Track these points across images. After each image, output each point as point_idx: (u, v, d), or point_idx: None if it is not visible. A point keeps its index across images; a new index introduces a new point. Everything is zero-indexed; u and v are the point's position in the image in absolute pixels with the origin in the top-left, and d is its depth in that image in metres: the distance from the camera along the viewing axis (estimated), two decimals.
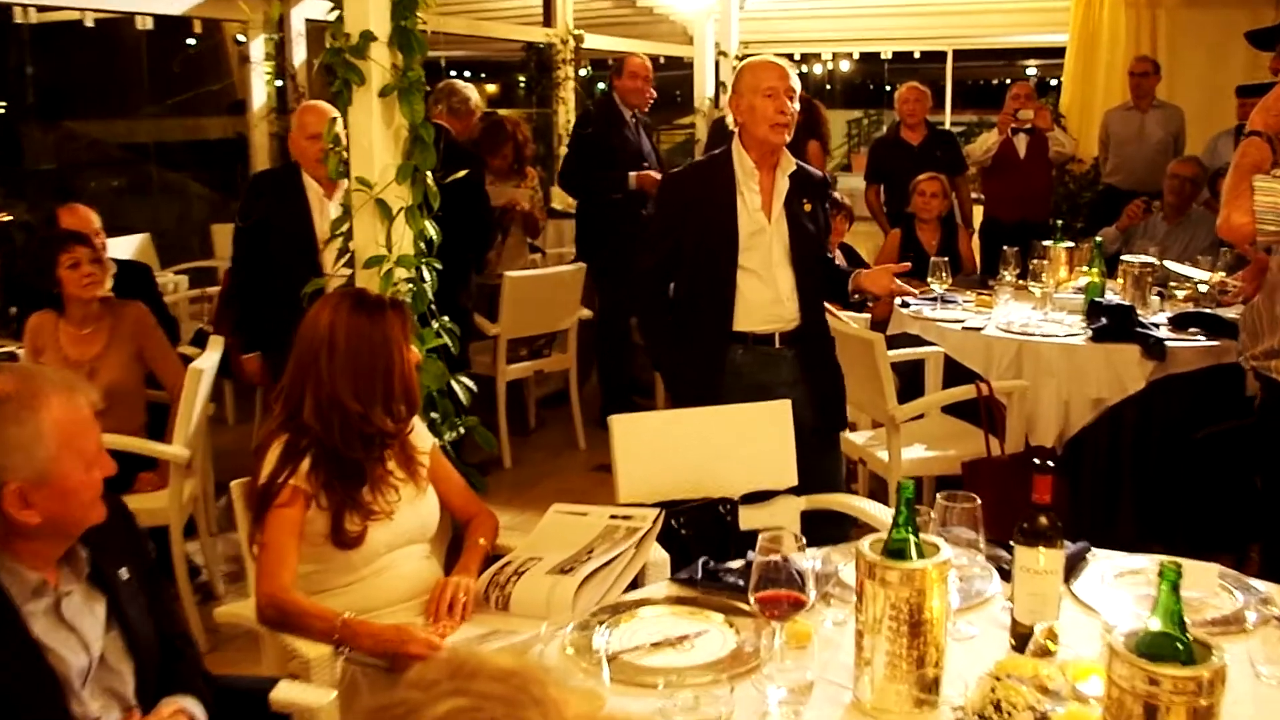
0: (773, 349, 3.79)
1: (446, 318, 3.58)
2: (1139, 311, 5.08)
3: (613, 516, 2.97)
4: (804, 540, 2.10)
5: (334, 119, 3.52)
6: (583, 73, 10.28)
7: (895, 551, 1.99)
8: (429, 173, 3.47)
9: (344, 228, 3.51)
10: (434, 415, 3.50)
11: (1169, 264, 5.72)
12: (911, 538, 2.00)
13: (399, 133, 3.46)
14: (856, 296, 3.93)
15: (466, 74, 22.48)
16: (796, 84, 3.71)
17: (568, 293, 6.53)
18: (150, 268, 5.55)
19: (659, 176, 6.85)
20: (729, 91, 3.93)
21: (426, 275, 3.51)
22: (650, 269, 3.81)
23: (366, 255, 3.45)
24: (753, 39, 10.34)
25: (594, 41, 9.80)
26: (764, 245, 3.73)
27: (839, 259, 6.41)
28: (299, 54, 7.69)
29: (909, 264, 3.92)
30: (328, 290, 3.10)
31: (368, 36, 3.35)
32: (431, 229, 3.51)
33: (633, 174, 6.75)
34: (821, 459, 3.81)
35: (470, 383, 3.64)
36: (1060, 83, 9.99)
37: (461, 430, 3.55)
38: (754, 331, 3.77)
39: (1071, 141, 8.39)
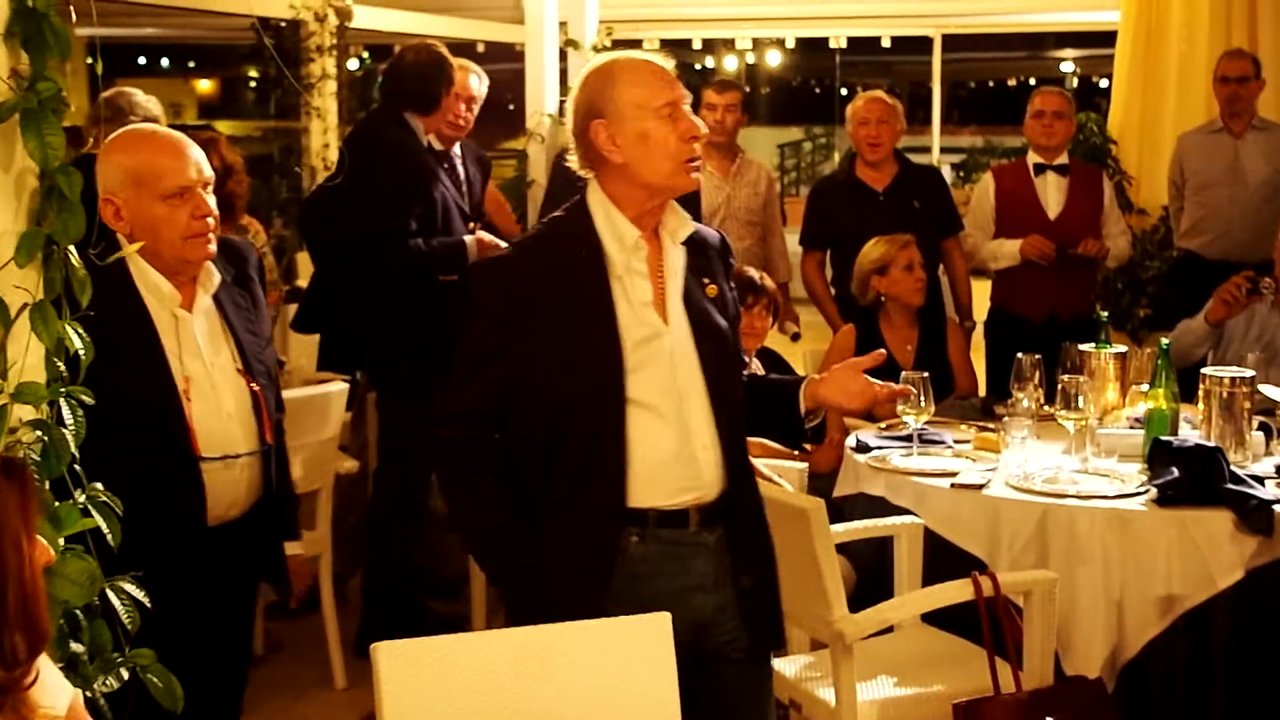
0: (686, 533, 3.80)
1: (99, 485, 3.53)
2: (1232, 457, 5.22)
3: None
4: None
5: None
6: (353, 65, 10.39)
7: None
8: (72, 247, 3.45)
9: None
10: (76, 648, 3.44)
11: (1267, 389, 5.84)
12: None
13: (21, 182, 3.43)
14: (813, 421, 3.95)
15: (165, 63, 22.45)
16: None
17: (321, 430, 6.52)
18: None
19: (504, 245, 6.92)
20: (577, 115, 3.90)
21: (69, 415, 3.46)
22: (462, 415, 3.80)
23: None
24: (621, 18, 10.51)
25: (369, 18, 9.88)
26: (662, 361, 3.76)
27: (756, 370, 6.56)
28: None
29: (882, 352, 3.98)
30: None
31: None
32: (78, 340, 3.48)
33: (470, 239, 6.80)
34: (747, 703, 3.83)
35: (140, 593, 3.59)
36: (1110, 86, 10.30)
37: (124, 674, 3.49)
38: (657, 508, 3.76)
39: (1128, 241, 8.30)
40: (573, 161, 3.85)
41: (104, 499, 3.53)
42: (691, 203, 5.70)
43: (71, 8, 3.53)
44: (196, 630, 4.03)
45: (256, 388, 4.18)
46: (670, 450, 3.71)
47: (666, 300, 3.74)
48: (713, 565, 3.79)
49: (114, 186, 4.00)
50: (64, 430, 3.47)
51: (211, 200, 4.07)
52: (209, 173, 4.10)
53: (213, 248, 4.08)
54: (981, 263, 7.89)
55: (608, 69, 3.75)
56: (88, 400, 3.51)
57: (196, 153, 4.09)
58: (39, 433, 3.43)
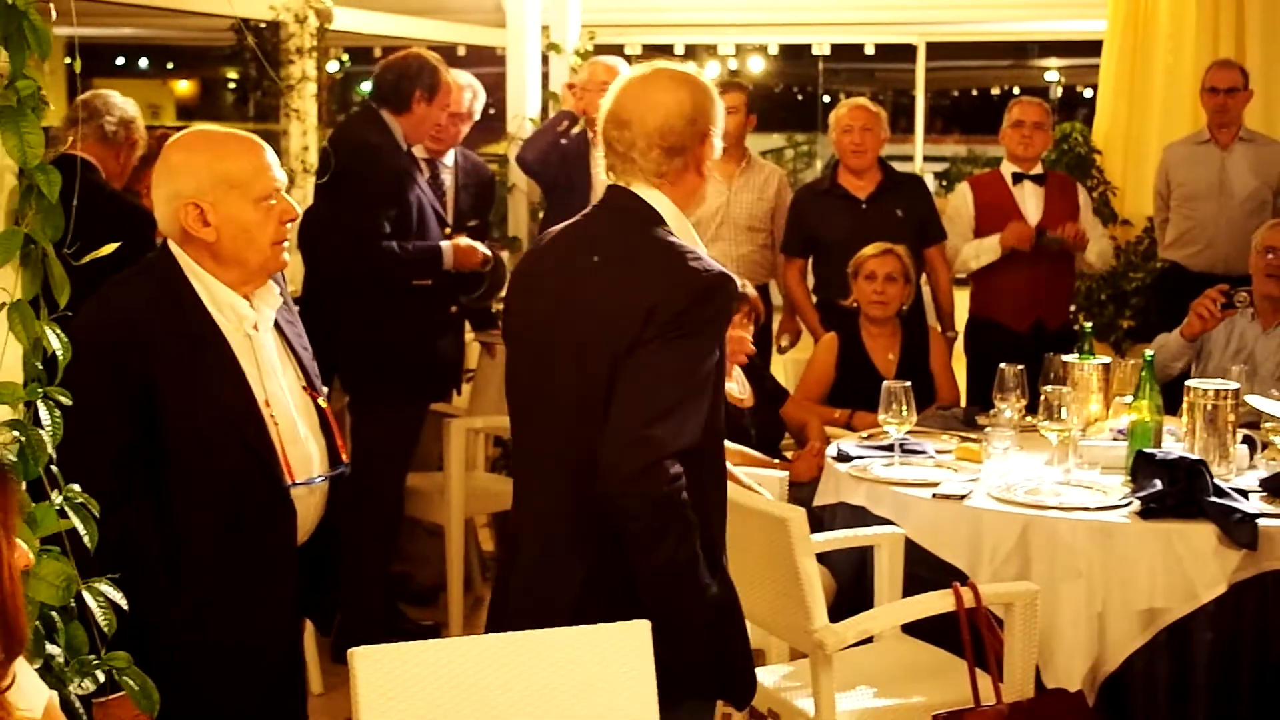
0: None
1: (76, 486, 3.54)
2: (1215, 470, 5.25)
3: None
4: None
5: None
6: (333, 68, 10.39)
7: None
8: (50, 246, 3.46)
9: None
10: (53, 650, 3.45)
11: (1255, 399, 5.87)
12: None
13: (0, 181, 3.46)
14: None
15: (144, 63, 22.45)
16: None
17: None
18: None
19: (485, 251, 6.93)
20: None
21: (46, 416, 3.47)
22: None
23: None
24: (603, 23, 10.50)
25: (349, 20, 9.89)
26: None
27: (740, 384, 6.59)
28: None
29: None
30: None
31: None
32: (57, 341, 3.49)
33: (446, 244, 6.80)
34: None
35: (118, 595, 3.59)
36: (1095, 96, 10.33)
37: (101, 676, 3.49)
38: None
39: (1107, 256, 8.43)
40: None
41: (80, 500, 3.54)
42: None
43: (52, 6, 3.55)
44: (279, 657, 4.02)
45: (325, 405, 4.11)
46: None
47: None
48: None
49: (201, 189, 3.87)
50: (41, 431, 3.48)
51: (293, 204, 4.00)
52: (285, 177, 4.04)
53: (289, 256, 4.02)
54: (964, 265, 7.89)
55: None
56: (65, 401, 3.51)
57: (273, 155, 4.02)
58: (15, 433, 3.44)
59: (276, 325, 4.05)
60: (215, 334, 3.88)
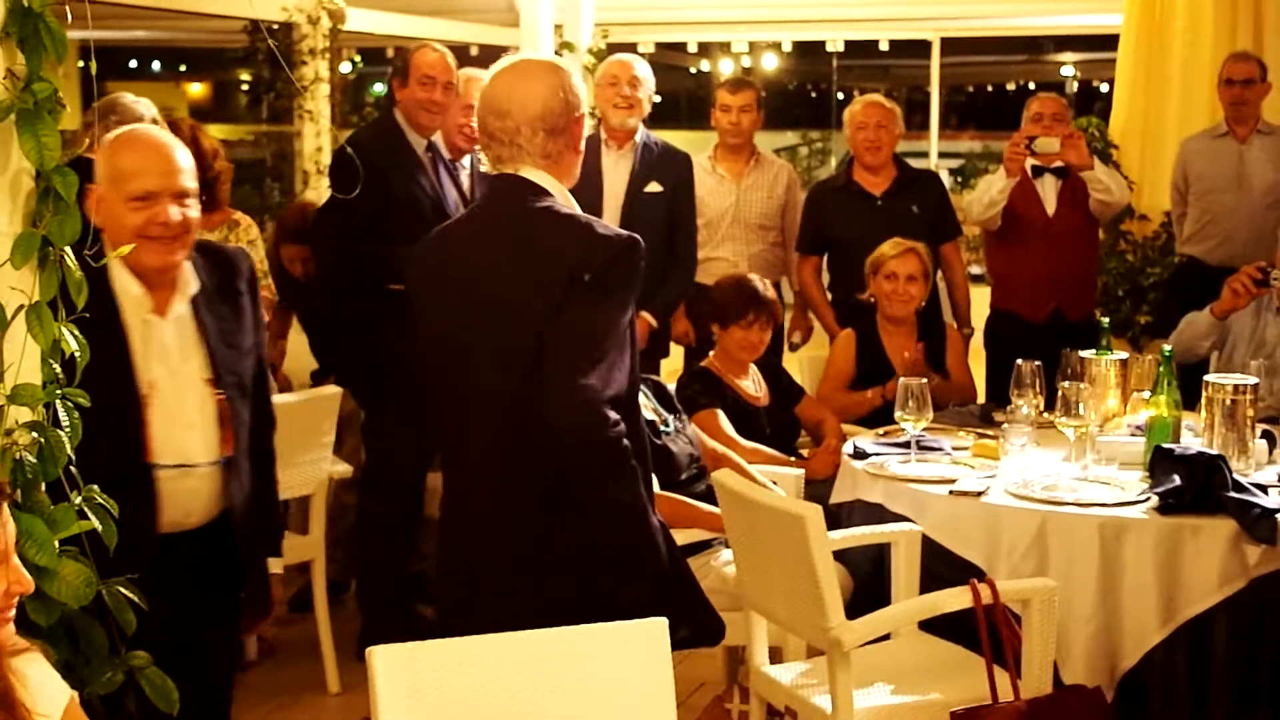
0: None
1: (95, 487, 3.57)
2: (1234, 465, 5.24)
3: None
4: None
5: None
6: (346, 69, 10.40)
7: None
8: (68, 249, 3.49)
9: None
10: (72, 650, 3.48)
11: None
12: None
13: (17, 183, 3.48)
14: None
15: (156, 66, 22.41)
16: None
17: (312, 435, 6.56)
18: None
19: None
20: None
21: (64, 417, 3.50)
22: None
23: None
24: (616, 21, 10.52)
25: (362, 21, 9.91)
26: None
27: (756, 382, 6.62)
28: None
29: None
30: None
31: None
32: (74, 341, 3.52)
33: None
34: None
35: (136, 595, 3.63)
36: (1111, 90, 10.33)
37: (120, 675, 3.52)
38: None
39: (1122, 185, 8.49)
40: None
41: (100, 501, 3.57)
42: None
43: (68, 8, 3.59)
44: (157, 637, 4.03)
45: (222, 398, 4.18)
46: None
47: None
48: None
49: (100, 179, 4.04)
50: (60, 432, 3.52)
51: (178, 213, 4.04)
52: (186, 184, 4.08)
53: (176, 256, 4.07)
54: (979, 218, 7.83)
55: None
56: (84, 403, 3.56)
57: (179, 163, 4.09)
58: (35, 434, 3.48)
59: (198, 316, 4.17)
60: (112, 316, 4.02)
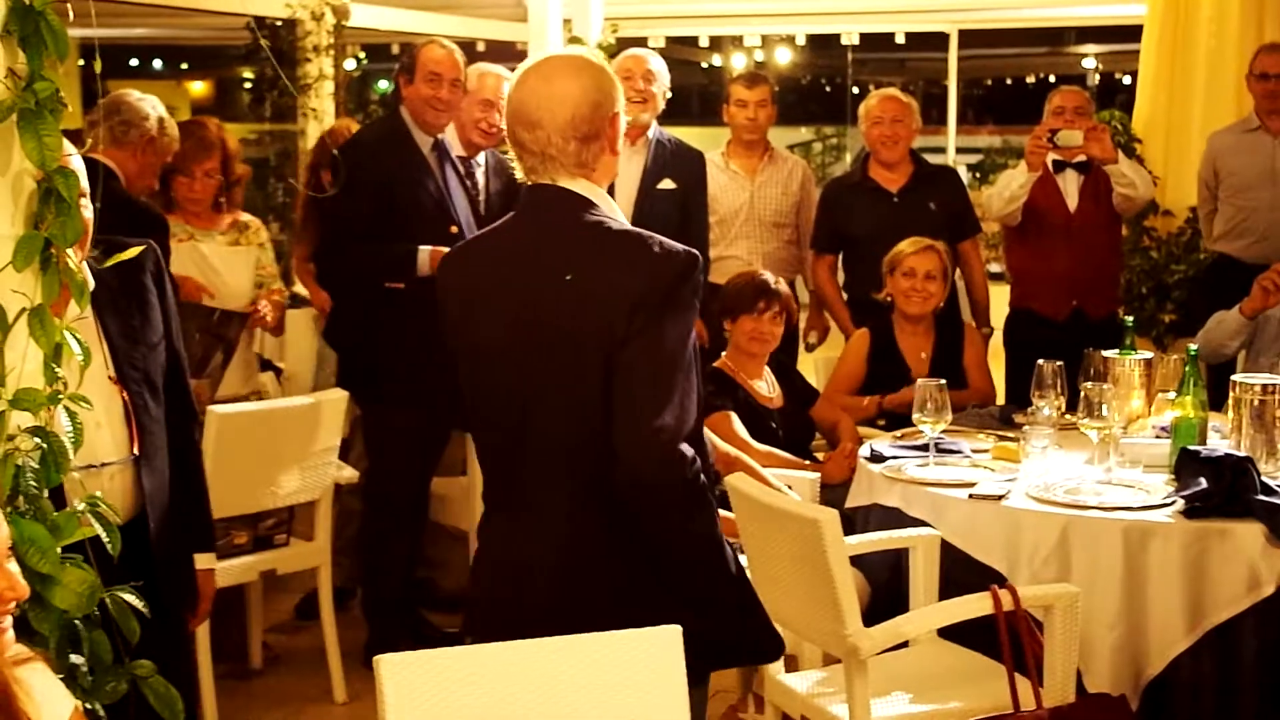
0: None
1: (98, 494, 3.56)
2: (1263, 467, 5.21)
3: None
4: None
5: None
6: (350, 65, 10.39)
7: None
8: (70, 250, 3.47)
9: None
10: (76, 659, 3.46)
11: None
12: None
13: (19, 184, 3.47)
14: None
15: (158, 64, 22.48)
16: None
17: (317, 440, 6.54)
18: None
19: None
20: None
21: (67, 422, 3.49)
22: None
23: None
24: (626, 15, 10.51)
25: (367, 17, 9.90)
26: None
27: (769, 384, 6.59)
28: None
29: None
30: None
31: None
32: (77, 345, 3.50)
33: (425, 249, 6.75)
34: None
35: (140, 602, 3.61)
36: (1134, 82, 10.26)
37: (124, 685, 3.51)
38: None
39: (1147, 180, 8.45)
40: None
41: (103, 507, 3.55)
42: None
43: (69, 6, 3.57)
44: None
45: (127, 396, 4.15)
46: None
47: None
48: None
49: None
50: (63, 439, 3.50)
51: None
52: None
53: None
54: (999, 213, 7.79)
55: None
56: (87, 407, 3.54)
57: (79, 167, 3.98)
58: (37, 440, 3.46)
59: (99, 315, 4.08)
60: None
